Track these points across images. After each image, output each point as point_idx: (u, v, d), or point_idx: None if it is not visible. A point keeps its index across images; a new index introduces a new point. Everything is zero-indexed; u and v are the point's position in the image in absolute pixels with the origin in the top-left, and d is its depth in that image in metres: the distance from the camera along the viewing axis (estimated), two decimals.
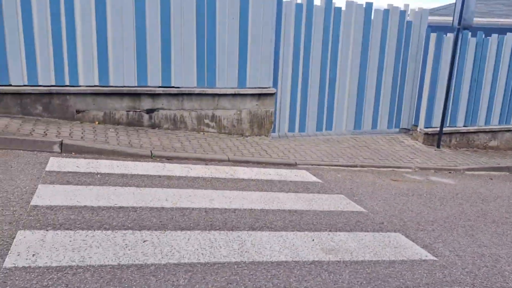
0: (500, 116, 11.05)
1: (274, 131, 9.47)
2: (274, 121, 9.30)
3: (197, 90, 8.37)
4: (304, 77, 9.47)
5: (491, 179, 8.21)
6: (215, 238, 4.12)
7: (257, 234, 4.37)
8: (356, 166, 8.03)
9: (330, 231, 4.70)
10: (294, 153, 8.25)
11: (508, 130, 11.00)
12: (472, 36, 10.32)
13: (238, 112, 8.77)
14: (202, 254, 3.78)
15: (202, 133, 8.57)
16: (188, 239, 4.01)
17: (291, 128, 9.75)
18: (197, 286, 3.26)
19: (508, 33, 10.69)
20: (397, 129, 10.89)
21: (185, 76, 8.24)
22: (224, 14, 8.27)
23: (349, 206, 5.64)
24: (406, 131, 10.87)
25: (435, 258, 4.31)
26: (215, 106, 8.58)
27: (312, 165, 7.78)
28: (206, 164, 6.87)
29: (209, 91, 8.47)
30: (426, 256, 4.34)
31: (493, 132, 10.80)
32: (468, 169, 8.59)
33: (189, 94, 8.34)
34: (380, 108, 10.35)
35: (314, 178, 6.88)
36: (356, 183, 6.92)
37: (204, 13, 8.13)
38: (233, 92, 8.63)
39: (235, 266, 3.63)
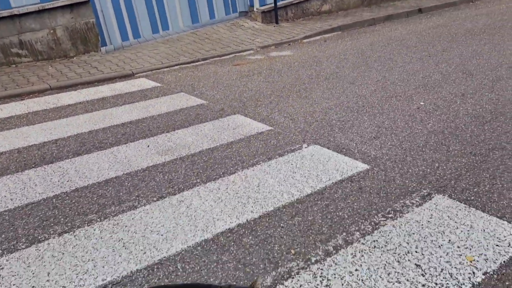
0: None
1: (105, 44, 8.44)
2: (101, 33, 8.23)
3: None
4: None
5: (325, 41, 8.62)
6: (30, 178, 3.56)
7: (83, 158, 3.89)
8: (198, 61, 7.67)
9: (167, 132, 4.43)
10: (130, 63, 7.51)
11: None
12: None
13: (52, 31, 7.48)
14: (11, 200, 3.22)
15: (14, 65, 7.22)
16: None
17: (124, 37, 8.79)
18: (3, 235, 2.79)
19: None
20: (236, 14, 10.59)
21: None
22: None
23: (189, 102, 5.38)
24: (245, 14, 10.64)
25: (271, 128, 4.38)
26: (19, 29, 7.15)
27: (151, 70, 7.20)
28: (23, 99, 5.86)
29: (5, 13, 6.95)
30: (262, 128, 4.39)
31: None
32: (305, 37, 8.86)
33: None
34: None
35: (153, 84, 6.39)
36: (197, 77, 6.63)
37: None
38: (37, 9, 7.21)
39: (54, 200, 3.19)
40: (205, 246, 2.54)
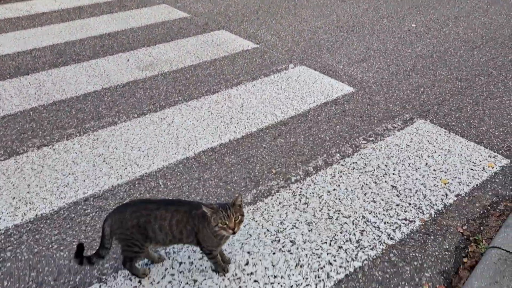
0: None
1: None
2: None
3: None
4: None
5: None
6: (5, 89, 3.41)
7: (60, 71, 3.72)
8: None
9: (148, 46, 4.23)
10: None
11: None
12: None
13: None
14: None
15: None
16: None
17: None
18: None
19: None
20: None
21: None
22: None
23: (171, 15, 5.08)
24: None
25: (257, 46, 4.21)
26: None
27: None
28: None
29: None
30: (248, 46, 4.22)
31: None
32: None
33: None
34: None
35: None
36: None
37: None
38: None
39: (31, 113, 3.09)
40: (186, 164, 2.55)
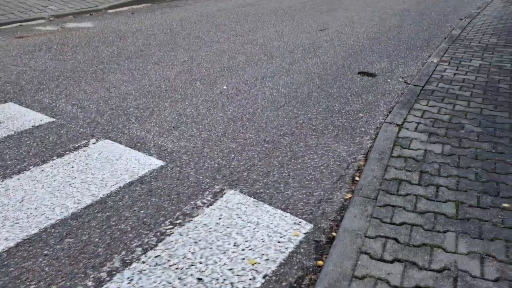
0: None
1: None
2: None
3: None
4: None
5: (133, 13, 7.92)
6: None
7: None
8: None
9: None
10: None
11: None
12: None
13: None
14: None
15: None
16: None
17: None
18: None
19: None
20: None
21: None
22: None
23: None
24: None
25: (52, 120, 3.67)
26: None
27: None
28: None
29: None
30: (41, 120, 3.64)
31: None
32: (110, 7, 7.97)
33: None
34: None
35: None
36: None
37: None
38: None
39: None
40: None
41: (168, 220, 2.55)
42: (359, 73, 5.32)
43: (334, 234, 2.54)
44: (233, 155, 3.32)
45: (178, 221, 2.54)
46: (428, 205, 2.71)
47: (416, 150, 3.37)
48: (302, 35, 6.86)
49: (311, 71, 5.27)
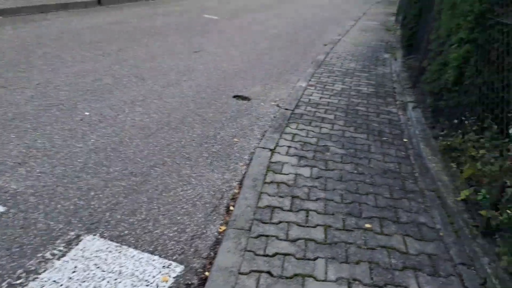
0: None
1: None
2: None
3: None
4: None
5: None
6: None
7: None
8: None
9: None
10: None
11: None
12: None
13: None
14: None
15: None
16: None
17: None
18: None
19: None
20: None
21: None
22: None
23: None
24: None
25: None
26: None
27: None
28: None
29: None
30: None
31: None
32: None
33: None
34: None
35: None
36: None
37: None
38: None
39: None
40: None
41: (6, 282, 2.09)
42: (234, 96, 5.33)
43: (207, 273, 2.37)
44: (93, 193, 2.94)
45: (18, 281, 2.10)
46: (299, 231, 2.72)
47: (287, 174, 3.42)
48: (176, 57, 6.67)
49: (185, 95, 5.10)
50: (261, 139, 4.15)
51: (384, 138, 4.33)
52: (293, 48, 8.43)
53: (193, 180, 3.31)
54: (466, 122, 3.33)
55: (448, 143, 3.60)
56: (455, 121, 3.59)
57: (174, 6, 11.60)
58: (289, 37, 9.43)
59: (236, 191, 3.25)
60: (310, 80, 6.18)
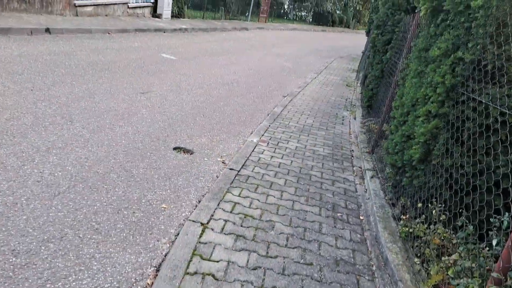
0: None
1: None
2: None
3: None
4: None
5: None
6: None
7: None
8: None
9: None
10: None
11: None
12: None
13: None
14: None
15: None
16: None
17: None
18: None
19: None
20: None
21: None
22: None
23: None
24: None
25: None
26: None
27: None
28: None
29: None
30: None
31: None
32: None
33: None
34: None
35: None
36: None
37: None
38: None
39: None
40: None
41: None
42: (175, 148, 4.69)
43: None
44: None
45: None
46: None
47: (218, 261, 2.75)
48: (119, 97, 5.99)
49: (117, 143, 4.40)
50: (196, 206, 3.49)
51: (339, 214, 3.79)
52: (251, 97, 7.99)
53: (94, 263, 2.57)
54: (433, 210, 2.84)
55: (410, 230, 3.09)
56: (419, 204, 3.10)
57: (132, 42, 11.01)
58: (248, 85, 9.01)
59: (148, 282, 2.53)
60: (263, 135, 5.67)
